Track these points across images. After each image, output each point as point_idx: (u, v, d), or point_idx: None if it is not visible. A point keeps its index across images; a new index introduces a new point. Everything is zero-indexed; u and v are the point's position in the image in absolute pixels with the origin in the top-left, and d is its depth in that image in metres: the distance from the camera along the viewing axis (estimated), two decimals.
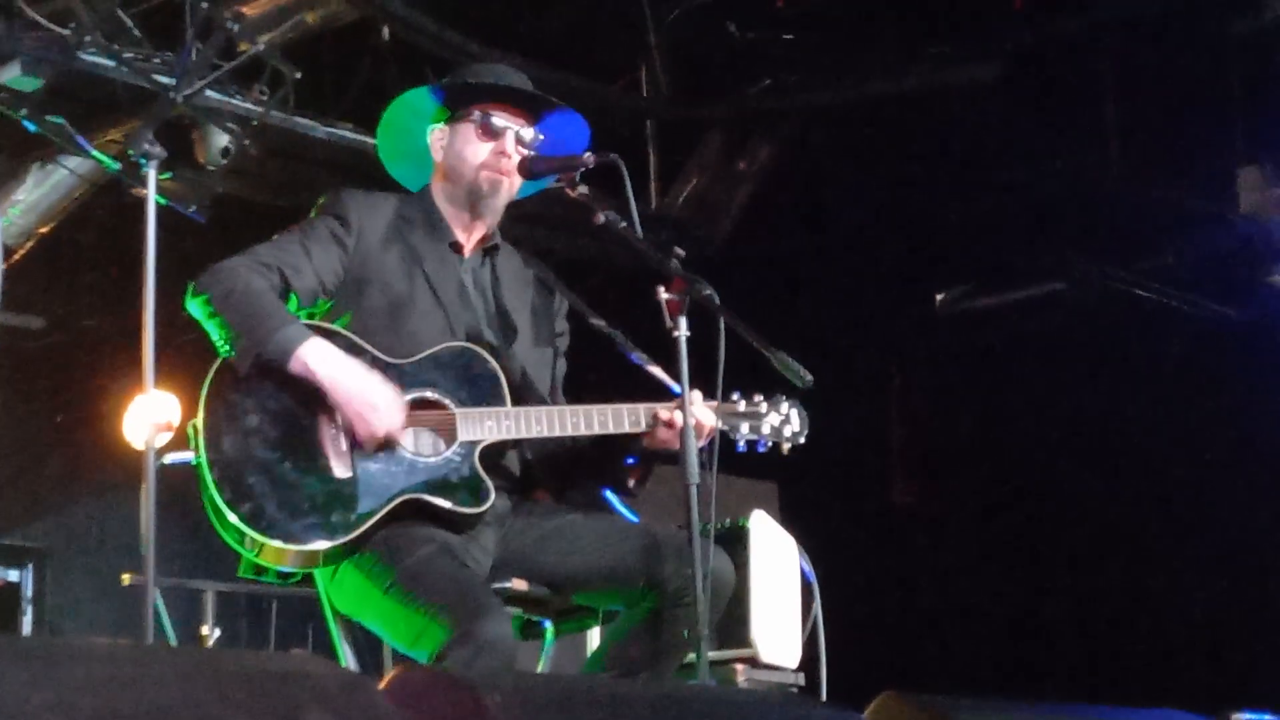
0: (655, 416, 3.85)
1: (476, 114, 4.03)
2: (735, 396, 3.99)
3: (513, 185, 4.04)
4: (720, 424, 3.90)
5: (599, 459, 4.02)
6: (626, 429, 3.87)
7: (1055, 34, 7.30)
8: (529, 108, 4.08)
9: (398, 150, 4.19)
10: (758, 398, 4.02)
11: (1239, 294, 8.74)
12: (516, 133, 4.02)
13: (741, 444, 4.00)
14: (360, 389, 3.69)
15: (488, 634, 3.46)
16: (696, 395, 3.80)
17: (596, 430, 3.86)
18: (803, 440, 4.06)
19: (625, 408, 3.88)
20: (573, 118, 4.13)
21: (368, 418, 3.68)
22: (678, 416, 3.78)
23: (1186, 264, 8.65)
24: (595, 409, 3.87)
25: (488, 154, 4.00)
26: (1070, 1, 7.18)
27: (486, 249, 4.10)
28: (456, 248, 4.04)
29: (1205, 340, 8.97)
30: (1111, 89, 7.82)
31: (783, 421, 4.03)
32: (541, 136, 4.06)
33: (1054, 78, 7.69)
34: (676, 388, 3.77)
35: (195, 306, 3.76)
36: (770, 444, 4.03)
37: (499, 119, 4.02)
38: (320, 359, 3.69)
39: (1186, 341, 9.01)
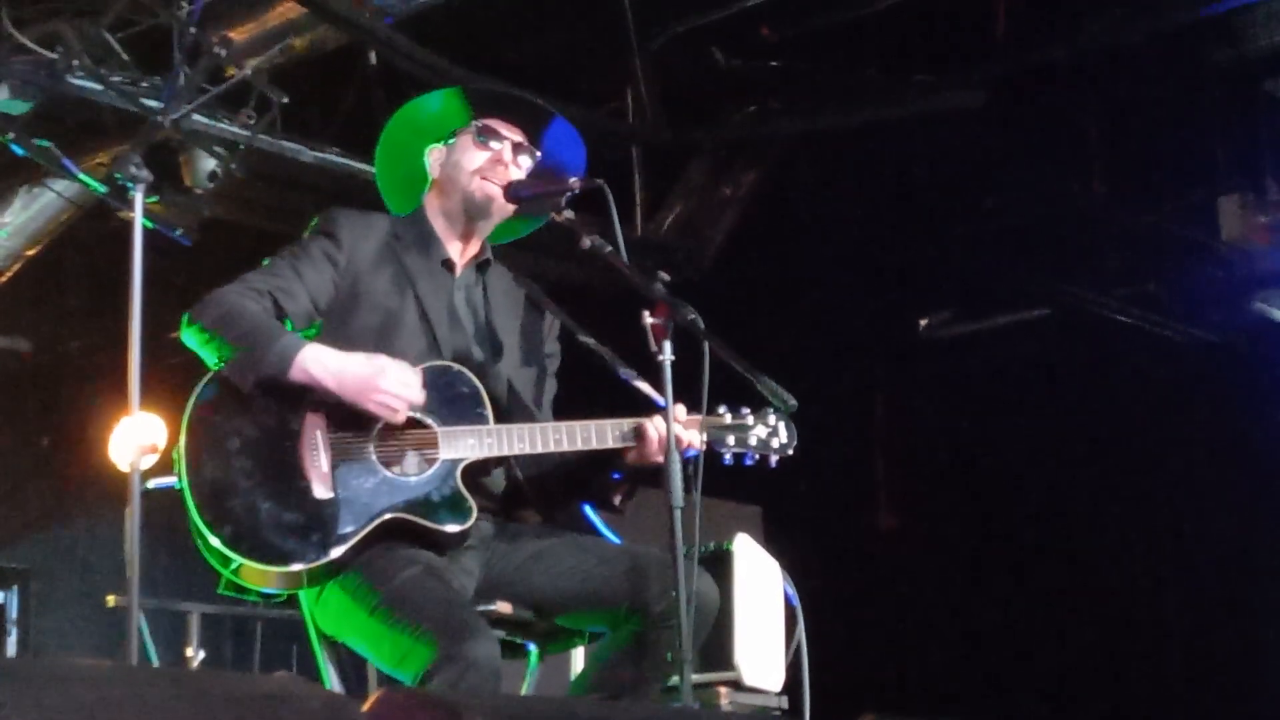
0: (638, 431, 3.87)
1: (474, 125, 4.06)
2: (721, 409, 3.98)
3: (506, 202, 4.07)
4: (704, 438, 3.87)
5: (584, 475, 4.02)
6: (610, 444, 3.87)
7: (1039, 62, 7.33)
8: (530, 129, 4.11)
9: (393, 174, 4.21)
10: (744, 410, 4.00)
11: (1221, 320, 8.77)
12: (515, 144, 4.05)
13: (728, 457, 3.97)
14: (368, 375, 3.70)
15: (474, 655, 3.47)
16: (680, 410, 3.80)
17: (579, 446, 3.86)
18: (791, 451, 4.02)
19: (609, 423, 3.88)
20: (572, 140, 4.15)
21: (384, 401, 3.70)
22: (660, 428, 3.79)
23: (1169, 290, 8.68)
24: (578, 425, 3.87)
25: (484, 160, 4.03)
26: (1054, 30, 7.20)
27: (479, 265, 4.12)
28: (449, 265, 4.06)
29: (1188, 366, 9.01)
30: (1095, 117, 7.86)
31: (770, 433, 4.00)
32: (539, 154, 4.10)
33: (1038, 105, 7.72)
34: (662, 402, 3.78)
35: (190, 335, 3.77)
36: (757, 456, 4.00)
37: (498, 130, 4.06)
38: (321, 362, 3.71)
39: (1169, 367, 9.04)
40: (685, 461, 3.75)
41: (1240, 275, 8.22)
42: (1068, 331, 9.06)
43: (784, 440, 4.02)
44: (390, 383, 3.71)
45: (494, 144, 4.05)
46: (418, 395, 3.74)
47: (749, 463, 4.01)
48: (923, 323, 9.41)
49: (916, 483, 9.95)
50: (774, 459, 4.02)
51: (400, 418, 3.73)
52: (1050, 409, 9.18)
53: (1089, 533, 9.14)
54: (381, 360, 3.75)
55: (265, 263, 3.91)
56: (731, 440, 3.97)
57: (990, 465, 9.37)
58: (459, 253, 4.09)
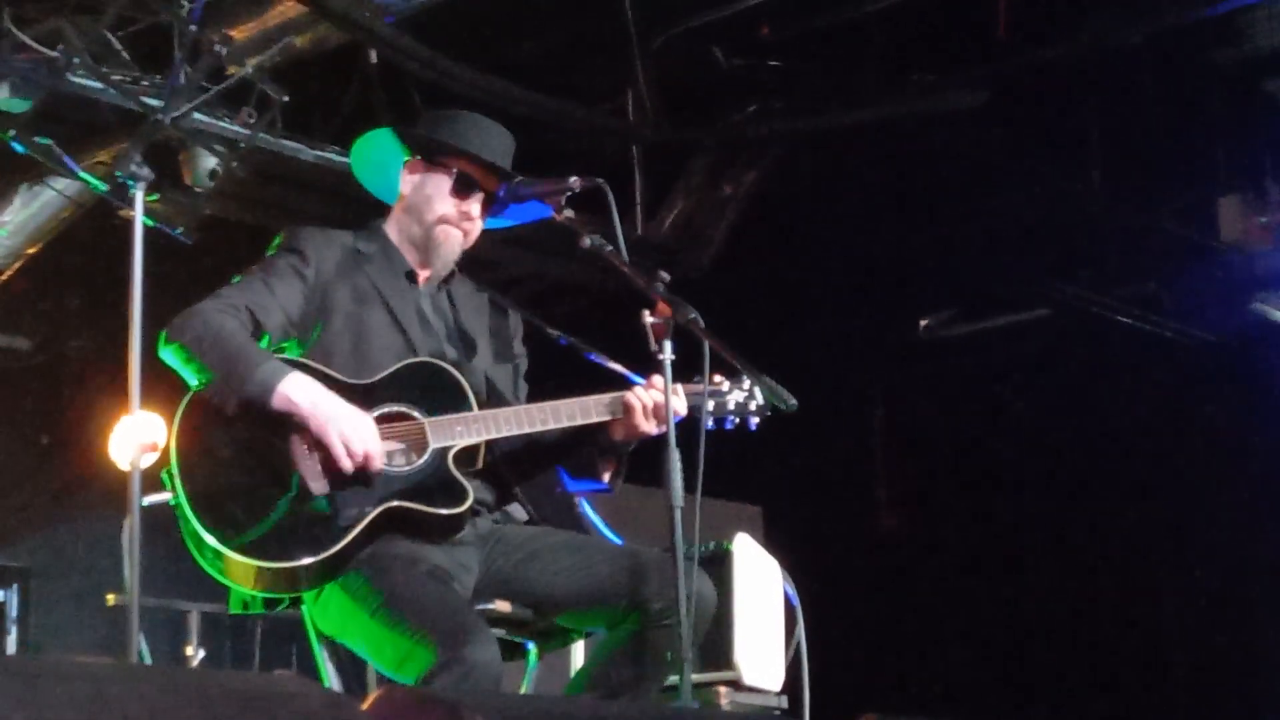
0: (623, 403, 3.90)
1: (455, 169, 4.06)
2: (697, 379, 3.99)
3: (467, 242, 4.10)
4: (686, 403, 3.93)
5: (572, 457, 4.07)
6: (594, 418, 3.93)
7: (1039, 62, 7.33)
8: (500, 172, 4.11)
9: (369, 158, 4.22)
10: (718, 377, 4.04)
11: (1220, 321, 8.77)
12: (487, 196, 4.07)
13: (709, 422, 4.00)
14: (339, 414, 3.72)
15: (475, 658, 3.48)
16: (657, 379, 3.86)
17: (565, 423, 3.92)
18: (769, 412, 4.06)
19: (592, 399, 3.93)
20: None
21: (346, 438, 3.70)
22: (642, 397, 3.86)
23: (1169, 290, 8.68)
24: (563, 403, 3.92)
25: (453, 210, 4.05)
26: (1054, 30, 7.20)
27: (444, 277, 4.15)
28: (412, 277, 4.09)
29: (1188, 366, 9.01)
30: (1095, 117, 7.86)
31: (747, 396, 4.04)
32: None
33: (1038, 105, 7.72)
34: (638, 379, 3.88)
35: (169, 354, 3.79)
36: (737, 420, 4.04)
37: (473, 178, 4.06)
38: (302, 392, 3.72)
39: (1169, 367, 9.04)
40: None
41: (1240, 276, 8.23)
42: (1068, 331, 9.07)
43: (760, 402, 4.06)
44: (357, 427, 3.71)
45: (469, 191, 4.05)
46: (376, 451, 3.73)
47: (729, 427, 4.05)
48: (923, 323, 9.41)
49: (917, 482, 9.95)
50: (753, 421, 4.07)
51: (347, 464, 3.70)
52: (1050, 409, 9.18)
53: (1089, 532, 9.14)
54: (354, 408, 3.75)
55: (236, 280, 3.93)
56: (711, 406, 4.01)
57: (990, 465, 9.38)
58: (420, 269, 4.12)
